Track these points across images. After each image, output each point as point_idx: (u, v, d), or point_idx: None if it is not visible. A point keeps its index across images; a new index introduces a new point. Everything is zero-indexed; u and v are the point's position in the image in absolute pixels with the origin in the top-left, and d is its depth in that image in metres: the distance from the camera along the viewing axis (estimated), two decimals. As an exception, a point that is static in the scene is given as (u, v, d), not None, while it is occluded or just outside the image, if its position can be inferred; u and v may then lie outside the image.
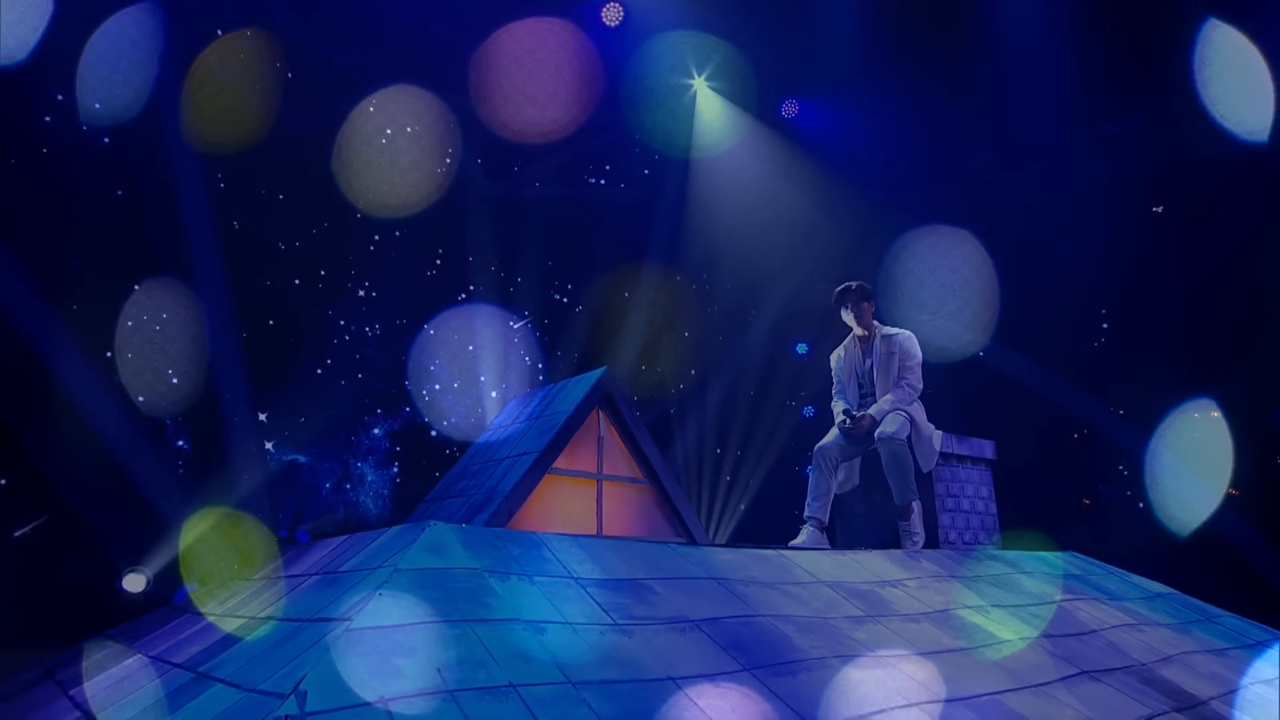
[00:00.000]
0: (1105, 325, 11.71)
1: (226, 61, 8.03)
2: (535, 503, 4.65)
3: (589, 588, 3.03)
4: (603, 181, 11.01)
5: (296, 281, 9.48)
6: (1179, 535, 9.08)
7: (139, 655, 3.53)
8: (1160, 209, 11.12)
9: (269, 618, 3.04)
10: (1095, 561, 5.91)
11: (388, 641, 2.29)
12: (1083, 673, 3.68)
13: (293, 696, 1.97)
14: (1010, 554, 5.47)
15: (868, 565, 4.37)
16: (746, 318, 11.46)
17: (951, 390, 11.48)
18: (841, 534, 6.10)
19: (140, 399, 7.16)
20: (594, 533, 4.95)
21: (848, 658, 3.13)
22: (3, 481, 6.39)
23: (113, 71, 6.99)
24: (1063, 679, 3.55)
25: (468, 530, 3.09)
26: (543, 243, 10.40)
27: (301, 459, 8.69)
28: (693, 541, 5.08)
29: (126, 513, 6.82)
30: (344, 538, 3.82)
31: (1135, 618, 4.84)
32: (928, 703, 2.98)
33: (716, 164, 11.14)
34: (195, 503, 7.19)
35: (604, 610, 2.89)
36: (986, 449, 6.12)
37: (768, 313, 11.27)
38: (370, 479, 9.40)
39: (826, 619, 3.47)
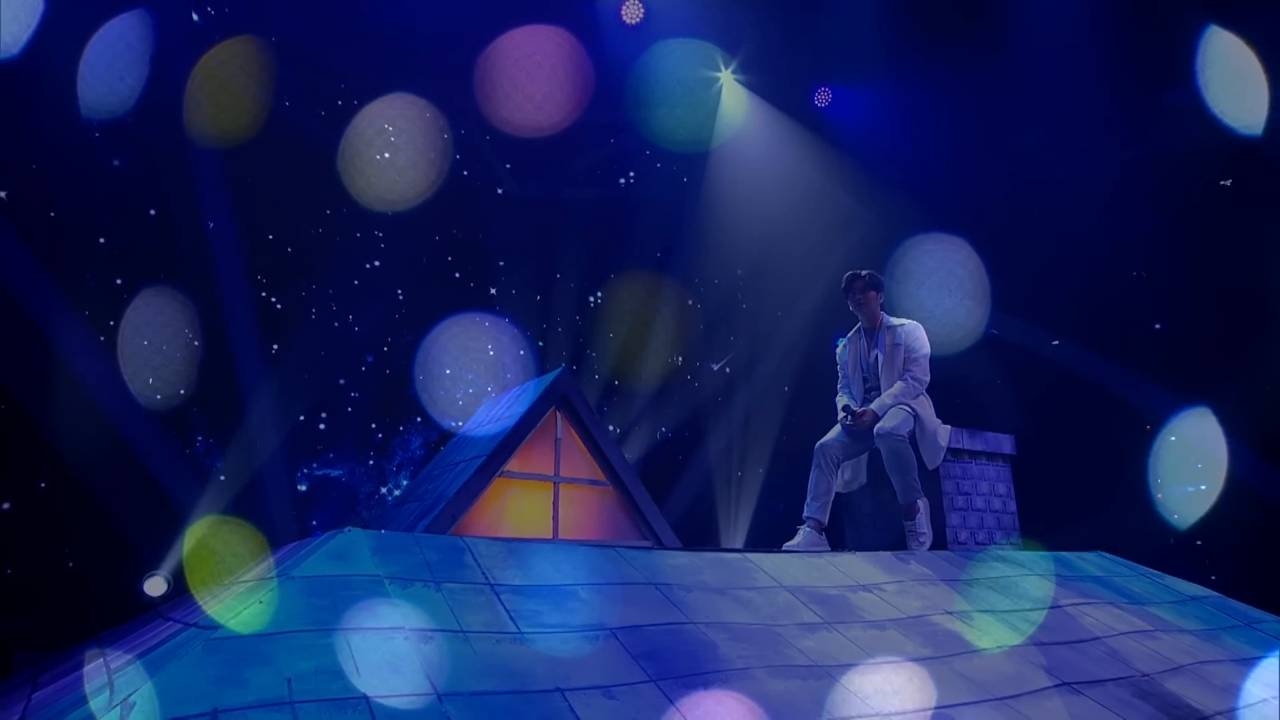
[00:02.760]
0: (1173, 309, 11.00)
1: (238, 64, 8.25)
2: (486, 507, 4.59)
3: (503, 594, 2.95)
4: (633, 177, 10.93)
5: (330, 291, 9.68)
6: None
7: (98, 661, 3.61)
8: (1229, 182, 10.38)
9: (194, 624, 3.06)
10: (1124, 562, 5.52)
11: (246, 651, 2.25)
12: (1063, 684, 3.41)
13: (118, 708, 1.95)
14: (1024, 555, 5.14)
15: (845, 569, 4.16)
16: (785, 312, 11.19)
17: (1011, 383, 10.98)
18: (850, 534, 5.87)
19: (169, 408, 7.42)
20: (549, 536, 4.87)
21: (779, 668, 2.96)
22: (41, 484, 6.72)
23: (124, 72, 7.22)
24: (1035, 691, 3.29)
25: (384, 536, 3.05)
26: (572, 243, 10.39)
27: (335, 469, 8.86)
28: (659, 544, 4.94)
29: (158, 518, 7.08)
30: (294, 544, 3.83)
31: (1154, 623, 4.48)
32: (858, 717, 2.79)
33: (746, 157, 10.92)
34: (228, 510, 7.42)
35: (510, 618, 2.81)
36: (1005, 444, 5.78)
37: (807, 305, 10.98)
38: (406, 484, 9.53)
39: (773, 626, 3.30)
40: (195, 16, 8.39)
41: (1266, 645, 4.55)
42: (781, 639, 3.21)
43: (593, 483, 5.13)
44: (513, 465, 4.76)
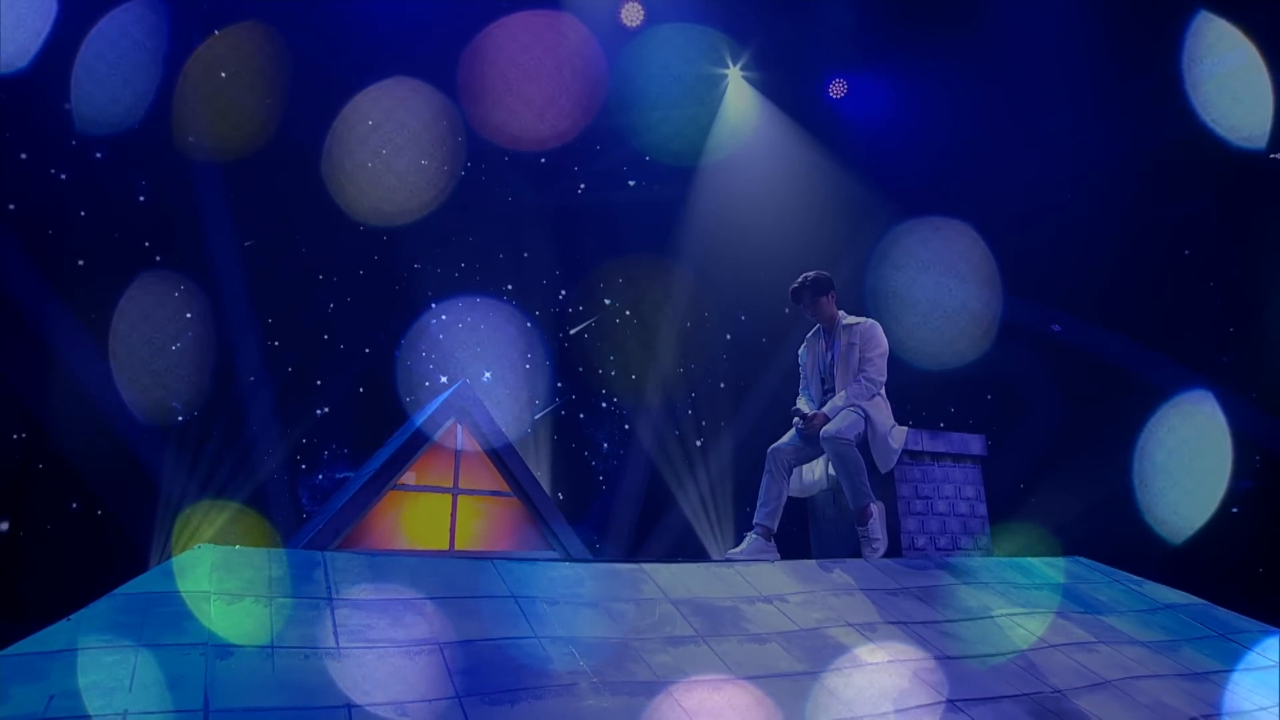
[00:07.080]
0: (1220, 297, 10.32)
1: (239, 75, 8.57)
2: (380, 520, 4.65)
3: (339, 609, 2.99)
4: (642, 183, 10.91)
5: (336, 298, 9.92)
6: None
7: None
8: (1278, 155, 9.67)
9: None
10: (1101, 567, 5.20)
11: (26, 667, 2.35)
12: (947, 701, 3.23)
13: None
14: (978, 561, 4.91)
15: (754, 579, 4.04)
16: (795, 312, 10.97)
17: (1055, 379, 10.48)
18: (815, 539, 5.72)
19: (173, 420, 7.76)
20: (446, 548, 4.90)
21: (612, 684, 2.90)
22: (43, 497, 7.15)
23: (124, 84, 7.56)
24: (910, 708, 3.13)
25: (234, 552, 3.13)
26: (581, 248, 10.44)
27: (340, 475, 9.09)
28: (566, 555, 4.90)
29: (162, 525, 7.43)
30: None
31: (1101, 635, 4.20)
32: (680, 736, 2.72)
33: (761, 157, 10.75)
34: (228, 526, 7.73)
35: (335, 633, 2.84)
36: (973, 444, 5.51)
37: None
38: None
39: (632, 641, 3.24)
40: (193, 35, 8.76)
41: (1233, 658, 4.21)
42: (635, 654, 3.15)
43: (495, 494, 5.14)
44: (409, 478, 4.83)
